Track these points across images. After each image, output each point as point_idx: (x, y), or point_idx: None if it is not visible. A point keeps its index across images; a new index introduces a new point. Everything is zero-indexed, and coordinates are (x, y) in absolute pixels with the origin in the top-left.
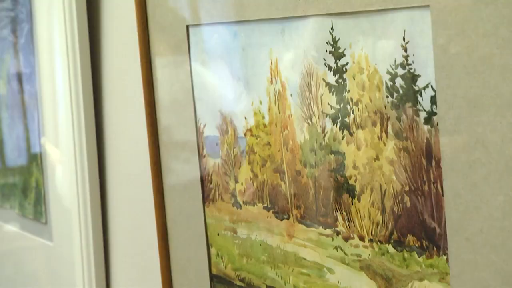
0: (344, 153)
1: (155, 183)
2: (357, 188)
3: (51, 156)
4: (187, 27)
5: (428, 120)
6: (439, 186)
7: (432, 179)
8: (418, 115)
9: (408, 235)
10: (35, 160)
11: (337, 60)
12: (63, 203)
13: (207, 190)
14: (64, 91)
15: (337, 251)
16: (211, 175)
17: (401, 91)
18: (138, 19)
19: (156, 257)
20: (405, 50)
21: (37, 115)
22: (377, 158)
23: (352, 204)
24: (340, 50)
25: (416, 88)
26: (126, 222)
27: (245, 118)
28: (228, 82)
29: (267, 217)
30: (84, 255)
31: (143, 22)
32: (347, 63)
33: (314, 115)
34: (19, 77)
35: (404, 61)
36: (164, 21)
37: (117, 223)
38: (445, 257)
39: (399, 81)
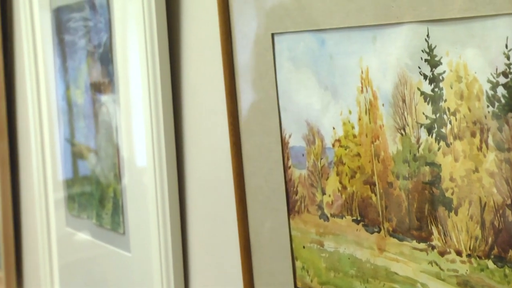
0: (440, 164)
1: (237, 193)
2: (454, 201)
3: (129, 166)
4: (272, 35)
5: None
6: None
7: None
8: None
9: (510, 250)
10: (113, 170)
11: (433, 69)
12: (142, 213)
13: (292, 201)
14: (143, 101)
15: (432, 266)
16: (297, 186)
17: (503, 101)
18: (221, 28)
19: (238, 269)
20: (508, 58)
21: (115, 125)
22: (476, 170)
23: (449, 217)
24: (437, 58)
25: None
26: (206, 234)
27: (333, 128)
28: (315, 91)
29: (356, 230)
30: (163, 266)
31: (226, 30)
32: (444, 72)
33: (407, 125)
34: (97, 87)
35: (506, 69)
36: (248, 29)
37: (196, 234)
38: None
39: (500, 90)
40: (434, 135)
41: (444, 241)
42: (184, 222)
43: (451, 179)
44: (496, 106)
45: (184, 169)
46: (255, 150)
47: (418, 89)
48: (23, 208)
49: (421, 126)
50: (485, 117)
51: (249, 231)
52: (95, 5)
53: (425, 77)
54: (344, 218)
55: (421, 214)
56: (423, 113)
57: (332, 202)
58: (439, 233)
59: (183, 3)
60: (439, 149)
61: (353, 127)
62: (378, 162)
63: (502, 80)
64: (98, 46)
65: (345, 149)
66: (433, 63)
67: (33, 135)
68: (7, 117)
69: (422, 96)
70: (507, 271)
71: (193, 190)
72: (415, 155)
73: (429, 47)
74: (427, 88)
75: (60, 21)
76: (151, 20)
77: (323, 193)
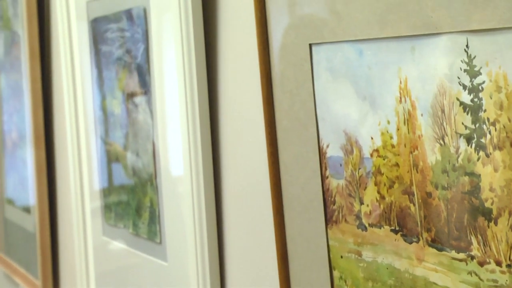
0: (479, 174)
1: (274, 203)
2: (494, 211)
3: (166, 176)
4: (310, 45)
5: None
6: None
7: None
8: None
9: None
10: (150, 179)
11: (472, 79)
12: (178, 223)
13: (330, 211)
14: (180, 111)
15: (471, 276)
16: (334, 196)
17: None
18: (259, 38)
19: (275, 279)
20: None
21: (152, 135)
22: None
23: (488, 227)
24: (476, 69)
25: None
26: (243, 243)
27: (372, 138)
28: (353, 102)
29: (395, 240)
30: (200, 275)
31: (263, 40)
32: (483, 82)
33: (446, 135)
34: (134, 97)
35: None
36: (286, 39)
37: (233, 243)
38: None
39: None
40: (473, 145)
41: (483, 251)
42: (220, 231)
43: (491, 189)
44: None
45: (221, 178)
46: (293, 159)
47: (457, 99)
48: (59, 217)
49: (460, 136)
50: None
51: (286, 241)
52: (132, 16)
53: (464, 87)
54: (382, 228)
55: (460, 224)
56: (462, 123)
57: (370, 212)
58: (478, 243)
59: (220, 13)
60: (478, 159)
61: (391, 137)
62: (417, 172)
63: None
64: (135, 57)
65: (384, 159)
66: (473, 73)
67: (70, 144)
68: (44, 126)
69: (461, 106)
70: None
71: (230, 200)
72: (454, 165)
73: (469, 57)
74: (466, 98)
75: (97, 31)
76: (188, 30)
77: (361, 203)
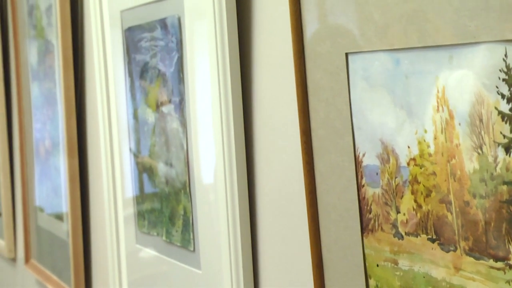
0: None
1: (310, 212)
2: None
3: (199, 184)
4: (346, 54)
5: None
6: None
7: None
8: None
9: None
10: (183, 187)
11: (511, 88)
12: (212, 231)
13: (366, 220)
14: (214, 119)
15: (509, 285)
16: (370, 205)
17: None
18: (294, 47)
19: (310, 287)
20: None
21: (185, 143)
22: None
23: None
24: None
25: None
26: (278, 251)
27: (408, 147)
28: (390, 110)
29: (432, 248)
30: (234, 283)
31: (299, 49)
32: None
33: (484, 144)
34: (167, 105)
35: None
36: (321, 48)
37: (267, 251)
38: None
39: None
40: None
41: None
42: (254, 239)
43: None
44: None
45: (255, 186)
46: (328, 168)
47: (496, 108)
48: (92, 224)
49: (498, 145)
50: None
51: (322, 249)
52: (166, 25)
53: (503, 96)
54: (419, 236)
55: (499, 233)
56: (501, 133)
57: (406, 220)
58: None
59: (255, 22)
60: None
61: (428, 146)
62: (454, 181)
63: None
64: (169, 66)
65: (420, 168)
66: (511, 82)
67: (103, 152)
68: (77, 134)
69: (500, 115)
70: None
71: (264, 207)
72: (492, 174)
73: (507, 66)
74: (504, 107)
75: (131, 41)
76: (223, 39)
77: (398, 212)
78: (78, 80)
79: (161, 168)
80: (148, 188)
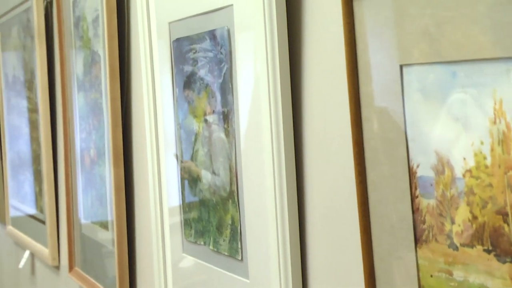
0: None
1: (362, 222)
2: None
3: (248, 194)
4: (401, 66)
5: None
6: None
7: None
8: None
9: None
10: (231, 197)
11: None
12: (261, 240)
13: (420, 230)
14: (264, 130)
15: None
16: (425, 215)
17: None
18: (348, 58)
19: None
20: None
21: (234, 153)
22: None
23: None
24: None
25: None
26: (328, 262)
27: (464, 158)
28: (445, 122)
29: (487, 259)
30: None
31: (352, 61)
32: None
33: None
34: (216, 116)
35: None
36: (375, 60)
37: (317, 262)
38: None
39: None
40: None
41: None
42: (304, 249)
43: None
44: None
45: (305, 196)
46: (381, 179)
47: None
48: (137, 233)
49: None
50: None
51: (374, 259)
52: (215, 36)
53: None
54: (474, 247)
55: None
56: None
57: (462, 231)
58: None
59: (306, 32)
60: None
61: (485, 158)
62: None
63: None
64: (218, 76)
65: (476, 180)
66: None
67: (150, 162)
68: (122, 144)
69: None
70: None
71: (314, 218)
72: None
73: None
74: None
75: (179, 52)
76: (273, 51)
77: (452, 223)
78: (124, 90)
79: (206, 177)
80: (195, 198)
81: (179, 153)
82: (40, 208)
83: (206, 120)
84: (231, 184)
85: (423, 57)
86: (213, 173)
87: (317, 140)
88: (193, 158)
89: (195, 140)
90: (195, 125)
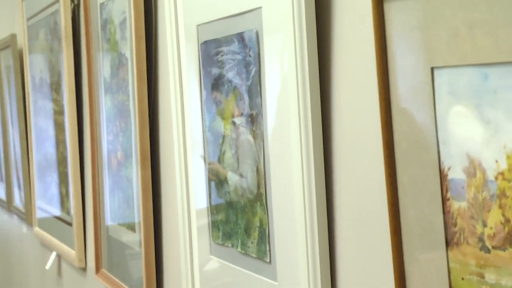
0: None
1: (392, 224)
2: None
3: (277, 196)
4: (432, 69)
5: None
6: None
7: None
8: None
9: None
10: (259, 199)
11: None
12: (290, 243)
13: (451, 233)
14: (292, 133)
15: None
16: (456, 218)
17: None
18: (378, 60)
19: None
20: None
21: (263, 156)
22: None
23: None
24: None
25: None
26: (357, 264)
27: (496, 161)
28: (477, 125)
29: None
30: None
31: (383, 63)
32: None
33: None
34: (244, 118)
35: None
36: (406, 62)
37: (346, 265)
38: None
39: None
40: None
41: None
42: (332, 251)
43: None
44: None
45: (334, 198)
46: (411, 181)
47: None
48: (164, 235)
49: None
50: None
51: (404, 262)
52: (244, 39)
53: None
54: (506, 250)
55: None
56: None
57: (494, 234)
58: None
59: (336, 34)
60: None
61: None
62: None
63: None
64: (246, 79)
65: (509, 182)
66: None
67: (177, 163)
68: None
69: None
70: None
71: (343, 220)
72: None
73: None
74: None
75: (207, 54)
76: (303, 53)
77: (484, 225)
78: (151, 93)
79: (233, 179)
80: (222, 199)
81: (206, 155)
82: (66, 210)
83: (233, 122)
84: (259, 186)
85: (455, 60)
86: (240, 175)
87: (346, 142)
88: (220, 160)
89: (222, 142)
90: (223, 127)
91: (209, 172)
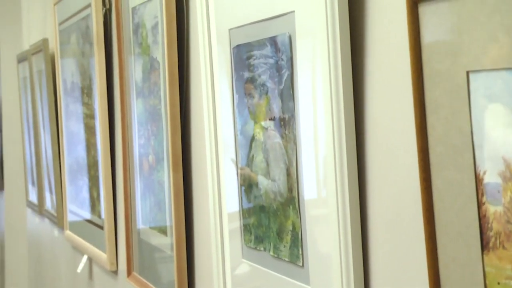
0: None
1: (427, 229)
2: None
3: (309, 200)
4: (467, 73)
5: None
6: None
7: None
8: None
9: None
10: (292, 203)
11: None
12: (322, 246)
13: (486, 238)
14: (326, 136)
15: None
16: (491, 222)
17: None
18: (413, 64)
19: None
20: None
21: (295, 159)
22: None
23: None
24: None
25: None
26: (391, 268)
27: None
28: None
29: None
30: None
31: (417, 67)
32: None
33: None
34: (276, 122)
35: None
36: (441, 66)
37: (380, 268)
38: None
39: None
40: None
41: None
42: (366, 255)
43: None
44: None
45: (367, 203)
46: (446, 185)
47: None
48: (196, 238)
49: None
50: None
51: (439, 267)
52: (277, 43)
53: None
54: None
55: None
56: None
57: None
58: None
59: (369, 38)
60: None
61: None
62: None
63: None
64: (278, 83)
65: None
66: None
67: (209, 167)
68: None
69: None
70: None
71: (376, 224)
72: None
73: None
74: None
75: (239, 58)
76: (336, 57)
77: None
78: (182, 96)
79: (263, 183)
80: (254, 203)
81: (237, 159)
82: (97, 213)
83: (265, 126)
84: (291, 190)
85: (491, 64)
86: (271, 179)
87: (380, 146)
88: (251, 163)
89: (254, 145)
90: (254, 131)
91: (239, 176)
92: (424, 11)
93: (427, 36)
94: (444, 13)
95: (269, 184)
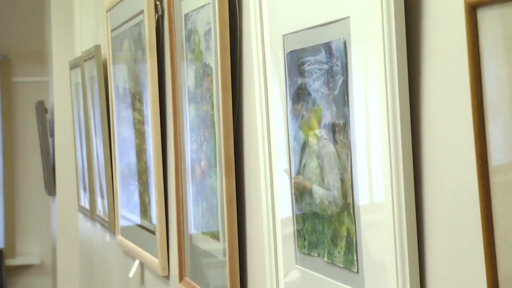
0: None
1: (485, 236)
2: None
3: (365, 206)
4: None
5: None
6: None
7: None
8: None
9: None
10: (346, 209)
11: None
12: (378, 253)
13: None
14: (382, 142)
15: None
16: None
17: None
18: (471, 70)
19: None
20: None
21: (350, 165)
22: None
23: None
24: None
25: None
26: (448, 276)
27: None
28: None
29: None
30: None
31: (476, 73)
32: None
33: None
34: (331, 128)
35: None
36: (501, 72)
37: (437, 274)
38: None
39: None
40: None
41: None
42: (422, 262)
43: None
44: None
45: (423, 210)
46: (506, 192)
47: None
48: (248, 243)
49: None
50: None
51: (498, 275)
52: (331, 48)
53: None
54: None
55: None
56: None
57: None
58: None
59: (426, 45)
60: None
61: None
62: None
63: None
64: (333, 88)
65: None
66: None
67: (262, 173)
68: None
69: None
70: None
71: (433, 231)
72: None
73: None
74: None
75: (293, 64)
76: (392, 63)
77: None
78: (235, 102)
79: (318, 189)
80: (307, 209)
81: (290, 165)
82: (149, 218)
83: (320, 133)
84: (346, 196)
85: None
86: (325, 185)
87: (437, 153)
88: (304, 170)
89: (307, 152)
90: (308, 137)
91: (294, 185)
92: (483, 16)
93: (486, 41)
94: (503, 18)
95: (321, 190)
